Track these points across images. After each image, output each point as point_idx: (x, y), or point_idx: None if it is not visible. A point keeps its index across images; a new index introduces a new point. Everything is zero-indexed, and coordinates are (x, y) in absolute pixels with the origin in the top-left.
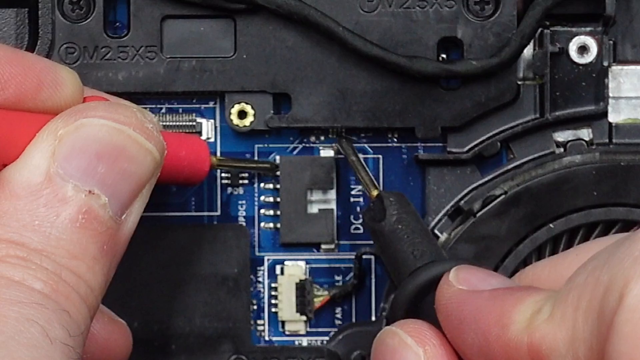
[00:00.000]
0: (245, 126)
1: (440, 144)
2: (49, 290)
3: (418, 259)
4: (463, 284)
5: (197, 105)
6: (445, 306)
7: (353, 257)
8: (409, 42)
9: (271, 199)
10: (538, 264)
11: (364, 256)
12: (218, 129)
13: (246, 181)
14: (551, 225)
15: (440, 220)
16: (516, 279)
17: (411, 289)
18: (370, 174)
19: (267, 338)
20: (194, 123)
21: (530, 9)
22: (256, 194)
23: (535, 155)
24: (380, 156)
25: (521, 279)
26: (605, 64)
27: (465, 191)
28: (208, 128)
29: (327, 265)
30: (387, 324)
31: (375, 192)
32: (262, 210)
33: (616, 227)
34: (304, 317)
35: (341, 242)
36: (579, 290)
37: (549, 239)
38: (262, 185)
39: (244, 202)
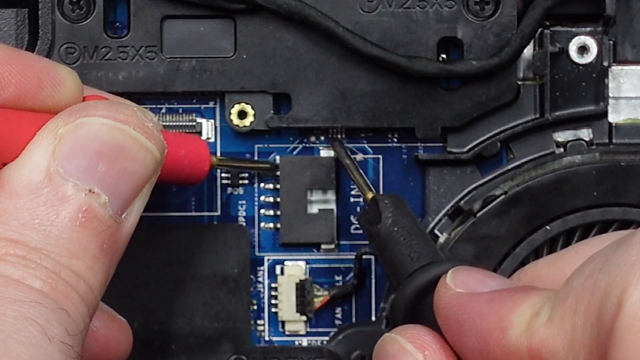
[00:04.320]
0: (245, 126)
1: (440, 144)
2: (48, 289)
3: (415, 261)
4: (461, 286)
5: (197, 105)
6: (443, 310)
7: (353, 257)
8: (409, 42)
9: (271, 199)
10: (538, 262)
11: (364, 256)
12: (218, 129)
13: (246, 181)
14: (547, 227)
15: (440, 220)
16: (515, 278)
17: (409, 293)
18: (365, 177)
19: (267, 338)
20: (194, 123)
21: (530, 9)
22: (256, 194)
23: (535, 155)
24: (380, 156)
25: (520, 277)
26: (605, 64)
27: (465, 191)
28: (208, 128)
29: (327, 265)
30: (388, 324)
31: (370, 195)
32: (262, 210)
33: (613, 227)
34: (304, 317)
35: (341, 242)
36: (576, 294)
37: (546, 240)
38: (262, 185)
39: (244, 202)
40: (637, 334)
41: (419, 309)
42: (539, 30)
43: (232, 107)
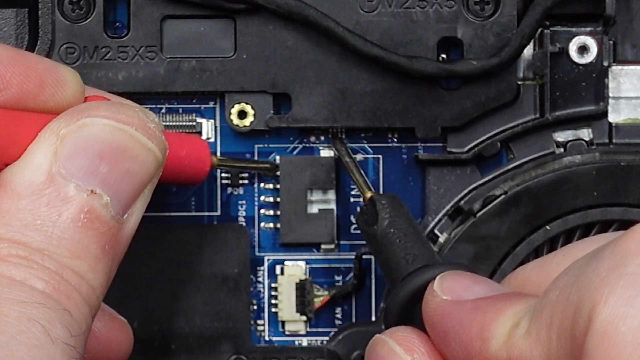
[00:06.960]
0: (245, 126)
1: (440, 144)
2: (50, 289)
3: (410, 263)
4: (447, 293)
5: (197, 105)
6: (430, 317)
7: (353, 257)
8: (409, 42)
9: (271, 199)
10: (528, 265)
11: (364, 256)
12: (218, 129)
13: (246, 181)
14: (547, 227)
15: (440, 220)
16: (506, 282)
17: (402, 296)
18: (365, 176)
19: (267, 338)
20: (194, 123)
21: (530, 9)
22: (256, 194)
23: (535, 155)
24: (380, 156)
25: (511, 281)
26: (605, 64)
27: (465, 191)
28: (208, 128)
29: (327, 265)
30: (385, 327)
31: (368, 194)
32: (262, 210)
33: (613, 227)
34: (304, 317)
35: (341, 242)
36: (551, 307)
37: (545, 240)
38: (262, 185)
39: (244, 202)
40: (606, 352)
41: (412, 312)
42: (539, 30)
43: (232, 107)
